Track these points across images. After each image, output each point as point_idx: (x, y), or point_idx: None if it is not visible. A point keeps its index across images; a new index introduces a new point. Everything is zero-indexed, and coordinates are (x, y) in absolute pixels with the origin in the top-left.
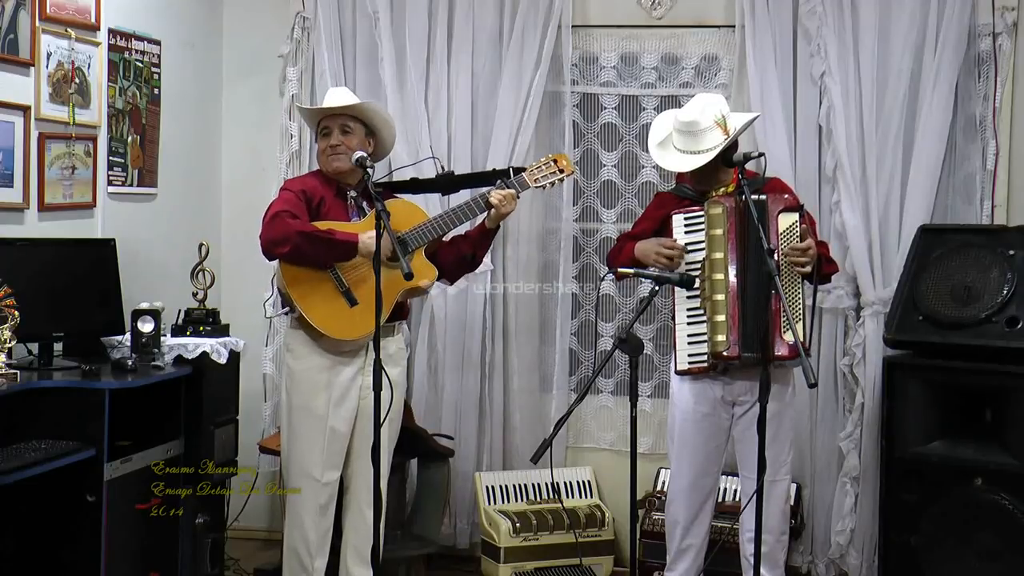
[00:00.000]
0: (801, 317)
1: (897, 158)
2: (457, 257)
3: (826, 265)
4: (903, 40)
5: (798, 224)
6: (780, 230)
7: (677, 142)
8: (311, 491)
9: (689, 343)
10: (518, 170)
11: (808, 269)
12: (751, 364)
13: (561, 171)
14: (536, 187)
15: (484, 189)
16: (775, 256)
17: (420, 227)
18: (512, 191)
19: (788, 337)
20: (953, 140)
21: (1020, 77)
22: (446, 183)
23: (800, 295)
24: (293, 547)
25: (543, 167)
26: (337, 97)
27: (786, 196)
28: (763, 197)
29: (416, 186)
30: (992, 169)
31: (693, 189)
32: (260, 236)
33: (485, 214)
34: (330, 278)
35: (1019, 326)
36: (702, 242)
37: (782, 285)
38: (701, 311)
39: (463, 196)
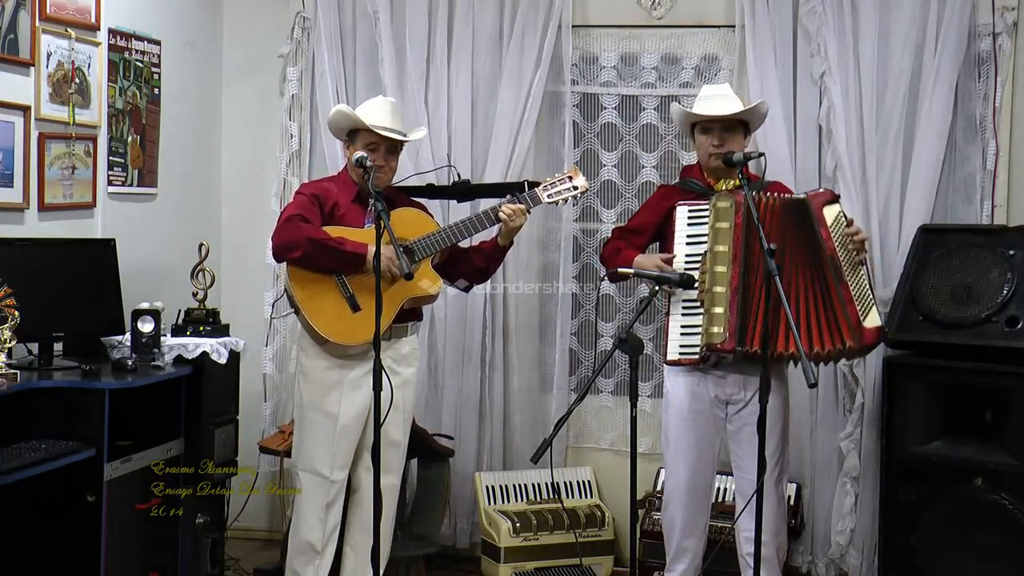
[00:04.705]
0: (873, 302)
1: (897, 158)
2: (471, 268)
3: None
4: (903, 40)
5: (843, 214)
6: (829, 223)
7: (706, 106)
8: (319, 488)
9: (682, 334)
10: (533, 184)
11: (866, 252)
12: (743, 359)
13: (576, 187)
14: (549, 202)
15: (496, 201)
16: (827, 248)
17: (428, 237)
18: (522, 206)
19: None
20: (953, 140)
21: (1020, 77)
22: (460, 191)
23: (867, 280)
24: (297, 545)
25: (557, 183)
26: (386, 113)
27: (821, 190)
28: (803, 196)
29: (431, 192)
30: (992, 169)
31: (701, 183)
32: (272, 238)
33: (498, 227)
34: (335, 283)
35: (1019, 326)
36: (705, 235)
37: (846, 275)
38: (697, 304)
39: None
